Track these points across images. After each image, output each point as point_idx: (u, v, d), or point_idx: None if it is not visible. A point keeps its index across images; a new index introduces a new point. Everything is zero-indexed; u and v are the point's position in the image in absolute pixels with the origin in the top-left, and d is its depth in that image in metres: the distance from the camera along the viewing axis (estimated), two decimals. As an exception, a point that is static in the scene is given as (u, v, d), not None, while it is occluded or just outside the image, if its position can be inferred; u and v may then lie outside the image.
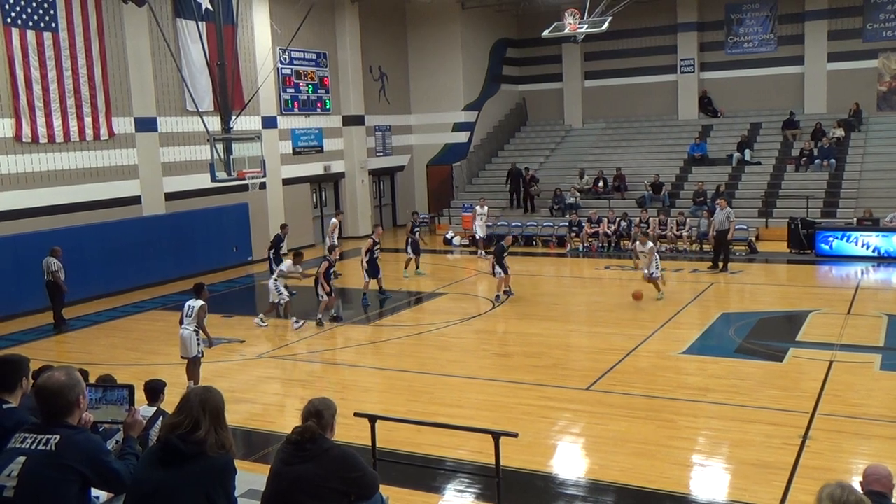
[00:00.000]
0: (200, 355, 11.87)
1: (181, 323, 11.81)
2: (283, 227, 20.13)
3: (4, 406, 4.38)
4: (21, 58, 18.23)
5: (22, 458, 3.72)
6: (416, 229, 21.49)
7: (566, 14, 21.73)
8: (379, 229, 19.00)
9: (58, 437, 3.77)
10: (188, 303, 11.86)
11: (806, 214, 23.25)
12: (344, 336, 15.43)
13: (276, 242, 19.29)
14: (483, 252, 23.41)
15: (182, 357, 11.93)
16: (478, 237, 24.50)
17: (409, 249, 21.09)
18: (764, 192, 26.14)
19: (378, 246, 18.13)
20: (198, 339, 11.76)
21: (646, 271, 17.51)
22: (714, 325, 14.93)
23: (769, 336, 13.95)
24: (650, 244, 17.75)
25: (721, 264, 19.95)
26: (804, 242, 21.86)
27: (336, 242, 19.97)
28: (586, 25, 21.48)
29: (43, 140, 18.78)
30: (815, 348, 13.00)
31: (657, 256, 17.46)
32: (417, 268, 21.30)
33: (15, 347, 14.87)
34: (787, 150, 28.14)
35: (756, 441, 9.19)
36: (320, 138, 28.19)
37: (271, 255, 19.15)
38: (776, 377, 11.71)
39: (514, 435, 7.13)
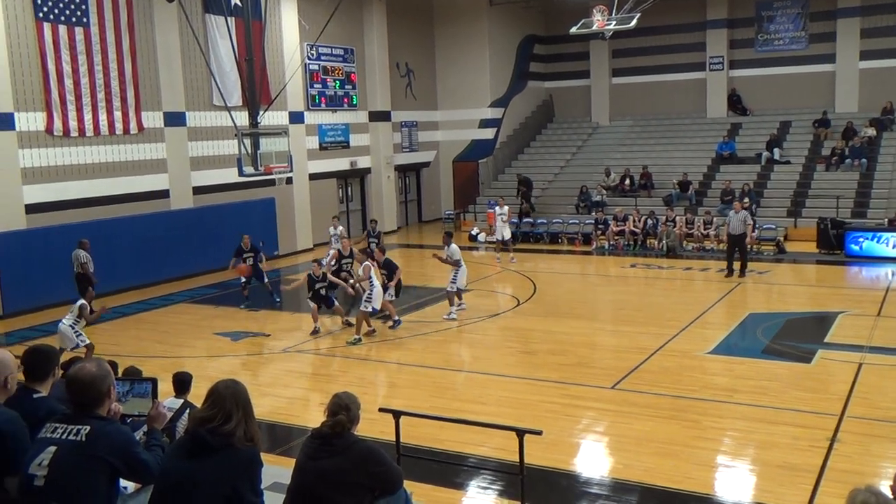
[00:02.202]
0: (83, 344, 12.83)
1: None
2: (244, 236, 18.10)
3: (35, 396, 4.44)
4: (53, 52, 18.47)
5: (53, 448, 3.77)
6: (373, 239, 19.50)
7: (594, 10, 21.64)
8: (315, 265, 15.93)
9: (88, 427, 3.82)
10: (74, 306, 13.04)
11: (836, 214, 22.97)
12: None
13: (240, 253, 17.76)
14: (505, 255, 23.00)
15: (61, 348, 12.45)
16: (497, 239, 23.02)
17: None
18: (793, 192, 25.86)
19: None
20: (75, 332, 12.78)
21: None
22: (741, 325, 14.79)
23: (797, 337, 13.79)
24: (364, 267, 14.51)
25: (738, 269, 19.02)
26: (834, 243, 21.60)
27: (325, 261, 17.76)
28: (614, 22, 21.36)
29: (74, 134, 19.03)
30: (844, 350, 12.84)
31: (374, 283, 14.36)
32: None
33: (46, 338, 15.05)
34: (817, 149, 27.80)
35: (783, 443, 9.11)
36: (347, 134, 28.29)
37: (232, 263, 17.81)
38: (804, 379, 11.59)
39: (539, 432, 7.11)
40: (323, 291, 15.26)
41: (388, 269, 15.51)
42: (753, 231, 20.13)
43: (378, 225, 21.13)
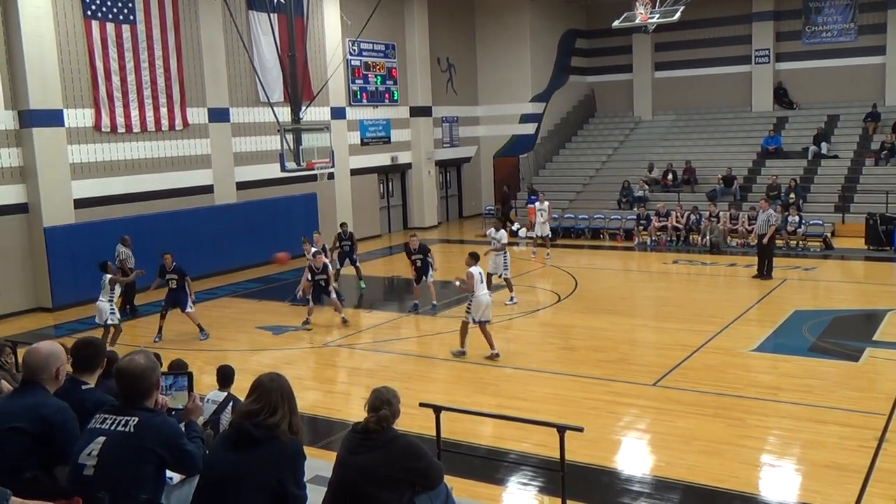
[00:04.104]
0: (111, 323, 13.87)
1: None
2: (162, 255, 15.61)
3: (83, 387, 4.53)
4: (101, 50, 18.81)
5: (102, 439, 3.84)
6: (345, 242, 19.05)
7: (637, 4, 21.43)
8: (320, 256, 15.91)
9: (136, 419, 3.89)
10: (103, 278, 13.91)
11: (885, 210, 22.46)
12: (409, 327, 15.52)
13: (162, 273, 15.50)
14: (538, 252, 22.84)
15: (97, 322, 13.97)
16: (536, 235, 22.94)
17: (338, 262, 18.92)
18: (841, 187, 25.34)
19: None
20: (111, 309, 13.83)
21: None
22: (786, 322, 14.53)
23: (844, 335, 13.53)
24: (467, 274, 13.81)
25: (766, 271, 18.32)
26: (883, 239, 21.18)
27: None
28: (658, 15, 21.17)
29: (121, 130, 19.37)
30: (892, 348, 12.57)
31: (477, 292, 12.82)
32: (360, 279, 19.29)
33: (94, 330, 15.35)
34: (866, 143, 27.23)
35: (829, 442, 8.95)
36: (388, 129, 28.38)
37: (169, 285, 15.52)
38: (851, 377, 11.37)
39: (580, 429, 7.07)
40: (322, 283, 15.46)
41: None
42: (799, 230, 19.56)
43: (349, 227, 20.09)
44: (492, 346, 12.75)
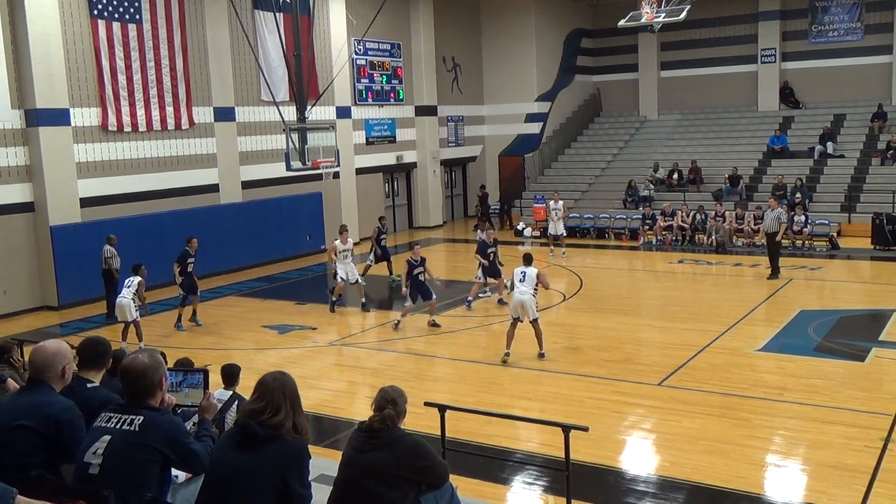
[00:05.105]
0: (138, 318, 14.14)
1: (119, 292, 14.41)
2: (189, 240, 15.97)
3: (89, 386, 4.54)
4: (107, 49, 18.85)
5: (107, 437, 3.85)
6: (383, 237, 19.64)
7: (643, 3, 21.38)
8: (417, 248, 15.58)
9: (141, 417, 3.90)
10: (129, 278, 14.17)
11: (892, 209, 22.40)
12: (415, 326, 15.51)
13: (185, 259, 15.76)
14: (557, 250, 22.83)
15: (120, 321, 14.16)
16: (550, 234, 22.90)
17: (372, 257, 19.51)
18: (847, 187, 25.28)
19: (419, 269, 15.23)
20: (136, 307, 14.03)
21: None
22: (792, 322, 14.50)
23: (851, 335, 13.49)
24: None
25: (775, 270, 18.28)
26: (889, 238, 21.13)
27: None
28: (664, 14, 21.12)
29: (127, 129, 19.41)
30: (899, 349, 12.54)
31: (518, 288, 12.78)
32: (391, 273, 19.60)
33: (99, 329, 15.44)
34: (872, 142, 27.15)
35: (835, 443, 8.93)
36: (393, 128, 28.38)
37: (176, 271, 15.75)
38: (857, 377, 11.34)
39: (585, 429, 7.07)
40: (421, 277, 15.02)
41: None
42: (805, 230, 19.54)
43: (385, 222, 20.40)
44: (540, 346, 12.76)
